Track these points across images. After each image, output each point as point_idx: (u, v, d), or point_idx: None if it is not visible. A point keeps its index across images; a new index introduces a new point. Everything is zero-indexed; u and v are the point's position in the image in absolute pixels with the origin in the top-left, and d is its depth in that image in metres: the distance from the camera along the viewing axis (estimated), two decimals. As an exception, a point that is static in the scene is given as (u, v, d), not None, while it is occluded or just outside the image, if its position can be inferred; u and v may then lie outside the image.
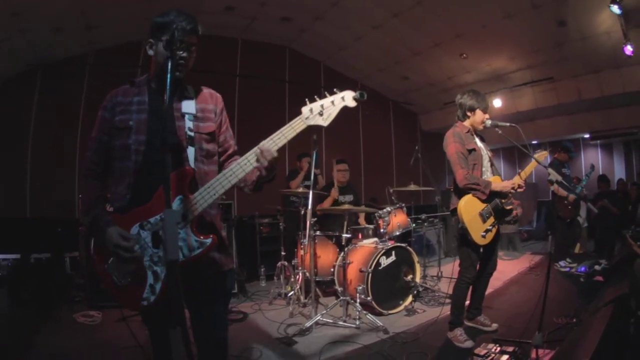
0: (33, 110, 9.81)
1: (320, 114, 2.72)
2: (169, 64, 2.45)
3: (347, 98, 2.78)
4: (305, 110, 2.72)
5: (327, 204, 7.97)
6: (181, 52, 2.69)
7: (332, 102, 2.74)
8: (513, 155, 18.16)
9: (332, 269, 7.18)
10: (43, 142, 9.65)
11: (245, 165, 2.67)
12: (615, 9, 7.94)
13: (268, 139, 2.67)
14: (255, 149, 2.66)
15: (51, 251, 7.95)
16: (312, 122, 2.71)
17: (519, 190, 5.10)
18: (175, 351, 2.05)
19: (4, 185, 9.50)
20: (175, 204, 2.55)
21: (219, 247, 2.80)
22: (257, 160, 2.66)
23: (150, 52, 2.80)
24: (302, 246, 7.12)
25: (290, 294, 7.06)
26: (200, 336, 2.88)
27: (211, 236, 2.64)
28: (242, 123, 11.46)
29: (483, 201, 5.03)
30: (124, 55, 10.28)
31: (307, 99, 2.74)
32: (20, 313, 6.84)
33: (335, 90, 2.78)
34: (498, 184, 5.06)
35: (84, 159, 2.88)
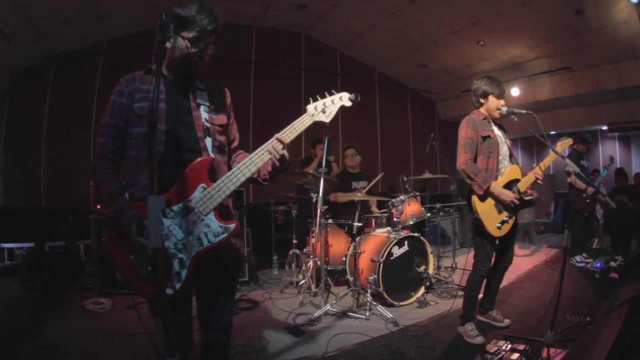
0: (46, 102, 9.90)
1: (324, 111, 2.97)
2: (187, 59, 2.71)
3: (344, 98, 3.05)
4: (310, 108, 2.96)
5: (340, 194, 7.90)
6: (199, 51, 2.73)
7: (332, 101, 3.01)
8: (531, 145, 18.09)
9: (343, 258, 7.12)
10: (57, 132, 9.71)
11: (263, 155, 2.78)
12: (632, -3, 7.82)
13: (282, 131, 2.84)
14: (272, 140, 2.79)
15: (66, 239, 7.98)
16: (317, 119, 2.95)
17: (538, 182, 4.98)
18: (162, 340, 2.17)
19: (19, 176, 9.61)
20: (198, 192, 2.66)
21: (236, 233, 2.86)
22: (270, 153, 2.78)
23: (168, 45, 2.78)
24: (313, 234, 7.07)
25: (301, 282, 7.04)
26: (206, 320, 3.01)
27: (234, 222, 2.74)
28: (257, 110, 11.52)
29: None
30: (136, 45, 10.27)
31: (310, 98, 3.01)
32: (33, 300, 6.89)
33: (332, 91, 3.03)
34: (497, 188, 4.88)
35: (98, 146, 2.81)
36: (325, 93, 3.01)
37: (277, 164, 2.84)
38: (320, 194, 6.46)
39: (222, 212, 2.79)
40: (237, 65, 11.75)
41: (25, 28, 8.35)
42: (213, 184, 2.69)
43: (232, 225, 2.69)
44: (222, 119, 3.02)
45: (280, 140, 2.77)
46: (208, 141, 2.85)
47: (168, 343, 2.11)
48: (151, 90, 2.67)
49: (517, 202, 4.86)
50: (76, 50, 10.07)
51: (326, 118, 2.96)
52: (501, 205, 4.91)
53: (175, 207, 2.63)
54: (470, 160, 4.91)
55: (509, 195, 4.82)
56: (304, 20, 12.27)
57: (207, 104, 2.95)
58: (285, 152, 2.81)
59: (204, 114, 2.89)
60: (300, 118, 2.90)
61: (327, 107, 2.96)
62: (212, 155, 2.82)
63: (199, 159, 2.70)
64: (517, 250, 6.27)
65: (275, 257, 9.24)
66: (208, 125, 2.88)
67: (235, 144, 3.25)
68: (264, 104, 11.65)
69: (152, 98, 2.35)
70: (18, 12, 7.82)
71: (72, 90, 9.82)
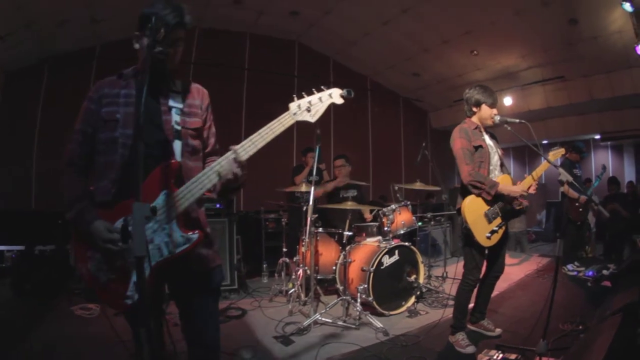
0: (40, 104, 9.88)
1: (308, 110, 2.71)
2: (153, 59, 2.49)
3: (334, 95, 2.78)
4: (292, 106, 2.70)
5: (329, 185, 8.00)
6: (163, 48, 2.60)
7: (320, 99, 2.75)
8: (523, 154, 18.13)
9: (333, 267, 7.07)
10: (49, 135, 9.63)
11: (213, 173, 2.61)
12: (627, 6, 7.85)
13: (257, 133, 2.61)
14: (230, 153, 2.61)
15: (56, 243, 7.91)
16: (299, 118, 2.70)
17: (530, 191, 4.94)
18: (147, 349, 2.08)
19: (10, 178, 9.51)
20: (160, 199, 2.51)
21: (205, 244, 2.77)
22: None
23: (136, 46, 2.75)
24: (303, 243, 7.01)
25: (291, 291, 6.97)
26: (190, 336, 2.82)
27: (197, 232, 2.58)
28: (249, 117, 11.55)
29: (489, 201, 4.87)
30: (130, 49, 9.99)
31: (294, 95, 2.72)
32: (21, 304, 6.85)
33: (322, 87, 2.77)
34: (506, 187, 4.85)
35: (66, 152, 2.77)
36: (313, 89, 2.77)
37: (226, 181, 2.63)
38: (311, 203, 6.40)
39: (187, 220, 2.67)
40: (231, 72, 11.78)
41: (21, 29, 8.31)
42: (177, 191, 2.57)
43: (195, 236, 2.56)
44: (195, 122, 2.90)
45: (236, 155, 2.58)
46: (177, 145, 2.72)
47: (152, 353, 2.05)
48: (121, 95, 2.73)
49: (530, 190, 4.88)
50: (70, 53, 10.04)
51: (311, 117, 2.72)
52: (497, 210, 4.88)
53: None
54: (473, 170, 4.85)
55: (518, 190, 4.82)
56: (297, 28, 12.28)
57: (180, 106, 2.82)
58: (239, 171, 2.60)
59: (175, 116, 2.76)
60: (279, 118, 2.68)
61: (313, 105, 2.72)
62: (180, 159, 2.70)
63: (163, 164, 2.57)
64: (508, 259, 6.21)
65: (265, 266, 9.15)
66: (179, 128, 2.75)
67: (209, 148, 3.09)
68: (257, 111, 11.55)
69: (119, 103, 2.41)
70: (15, 13, 7.76)
71: (66, 93, 9.73)
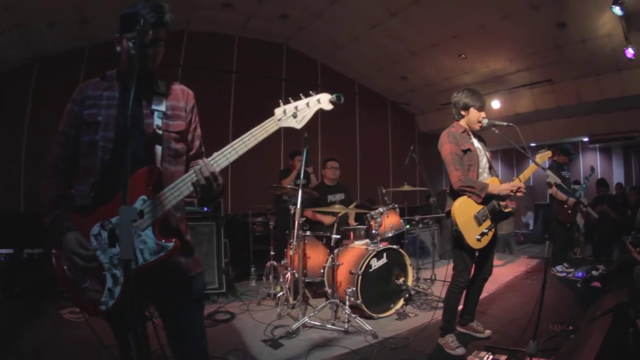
0: (28, 105, 9.75)
1: (294, 115, 2.57)
2: (133, 59, 2.42)
3: (323, 100, 2.64)
4: (278, 111, 2.58)
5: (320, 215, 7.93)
6: (143, 50, 2.49)
7: (307, 104, 2.61)
8: (511, 157, 18.18)
9: (322, 270, 7.06)
10: (38, 137, 9.53)
11: (187, 182, 2.53)
12: (617, 10, 7.88)
13: (239, 139, 2.52)
14: (208, 160, 2.51)
15: (44, 246, 7.85)
16: (284, 124, 2.57)
17: (518, 194, 4.95)
18: (135, 354, 2.01)
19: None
20: (138, 205, 2.44)
21: (184, 252, 2.71)
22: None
23: (118, 49, 2.67)
24: (291, 246, 6.98)
25: (279, 294, 6.92)
26: (174, 347, 2.76)
27: (173, 240, 2.49)
28: (237, 120, 11.49)
29: (479, 203, 4.88)
30: (118, 52, 9.97)
31: (280, 101, 2.60)
32: (10, 308, 6.82)
33: (311, 92, 2.65)
34: (495, 187, 4.90)
35: (49, 154, 2.71)
36: (301, 95, 2.62)
37: (199, 191, 2.51)
38: (298, 206, 6.38)
39: (165, 228, 2.59)
40: (219, 75, 11.73)
41: (10, 30, 8.25)
42: (155, 197, 2.49)
43: (170, 244, 2.46)
44: (179, 125, 2.81)
45: (205, 167, 2.46)
46: (158, 150, 2.64)
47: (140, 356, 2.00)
48: (103, 97, 2.67)
49: (522, 189, 4.89)
50: (59, 54, 9.96)
51: (297, 124, 2.58)
52: (487, 212, 4.89)
53: (113, 219, 2.46)
54: (463, 175, 4.87)
55: (510, 186, 4.85)
56: (286, 31, 12.25)
57: (163, 109, 2.74)
58: (213, 182, 2.48)
59: (157, 120, 2.68)
60: (262, 124, 2.56)
61: (299, 110, 2.57)
62: (160, 164, 2.63)
63: (142, 169, 2.48)
64: (497, 261, 6.21)
65: (253, 269, 9.09)
66: (160, 132, 2.67)
67: (193, 151, 2.98)
68: (244, 114, 11.58)
69: (101, 105, 2.39)
70: (4, 14, 7.69)
71: (54, 94, 9.59)
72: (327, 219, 7.82)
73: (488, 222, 4.90)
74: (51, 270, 6.67)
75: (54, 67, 9.82)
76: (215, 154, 2.51)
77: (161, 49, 2.69)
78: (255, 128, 2.54)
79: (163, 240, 2.46)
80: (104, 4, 8.43)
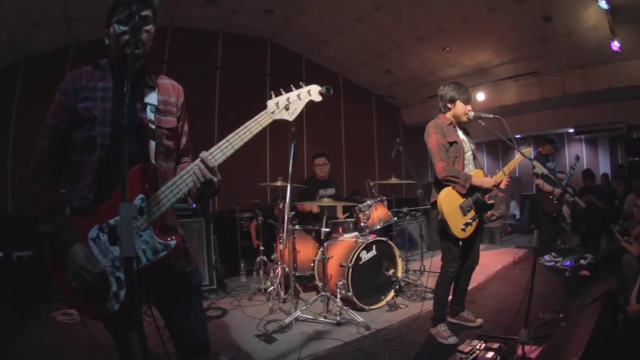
0: (14, 106, 9.64)
1: (287, 108, 2.59)
2: (122, 42, 2.46)
3: (313, 92, 2.65)
4: (270, 104, 2.58)
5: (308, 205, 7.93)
6: (131, 32, 2.43)
7: (298, 96, 2.62)
8: (496, 149, 18.24)
9: (312, 264, 7.11)
10: (25, 138, 9.41)
11: (187, 179, 2.49)
12: (603, 3, 7.93)
13: (234, 133, 2.51)
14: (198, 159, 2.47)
15: (33, 249, 7.79)
16: (277, 117, 2.58)
17: (501, 187, 5.04)
18: (137, 352, 1.96)
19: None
20: (137, 203, 2.40)
21: (182, 248, 2.68)
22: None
23: (107, 42, 2.61)
24: (280, 240, 6.99)
25: (270, 289, 6.93)
26: (178, 341, 2.74)
27: (175, 237, 2.50)
28: (222, 116, 11.45)
29: (463, 194, 4.94)
30: (104, 48, 9.90)
31: (272, 92, 2.61)
32: (2, 311, 6.72)
33: (301, 84, 2.66)
34: (479, 179, 4.97)
35: (36, 150, 2.56)
36: (292, 86, 2.63)
37: (200, 188, 2.47)
38: (287, 201, 6.42)
39: (163, 226, 2.58)
40: (203, 70, 11.66)
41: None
42: (152, 195, 2.45)
43: (173, 242, 2.46)
44: (170, 121, 2.76)
45: (204, 162, 2.43)
46: (152, 146, 2.58)
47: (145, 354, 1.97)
48: (98, 88, 2.56)
49: (506, 182, 5.05)
50: (45, 54, 9.84)
51: (289, 116, 2.59)
52: (471, 203, 4.94)
53: (111, 221, 2.41)
54: (447, 165, 4.93)
55: (493, 181, 4.96)
56: (271, 26, 12.17)
57: (155, 103, 2.66)
58: (213, 177, 2.46)
59: (150, 114, 2.61)
60: (256, 117, 2.55)
61: (291, 102, 2.58)
62: (154, 161, 2.57)
63: (138, 166, 2.42)
64: (484, 251, 6.22)
65: (242, 264, 9.10)
66: (153, 127, 2.60)
67: (181, 147, 2.95)
68: (229, 110, 11.55)
69: (96, 97, 2.37)
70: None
71: (40, 94, 9.52)
72: (314, 207, 7.89)
73: (472, 213, 4.97)
74: (42, 273, 6.61)
75: (40, 66, 9.72)
76: (212, 149, 2.47)
77: (150, 30, 2.60)
78: (250, 121, 2.54)
79: (166, 239, 2.46)
80: (89, 2, 8.41)
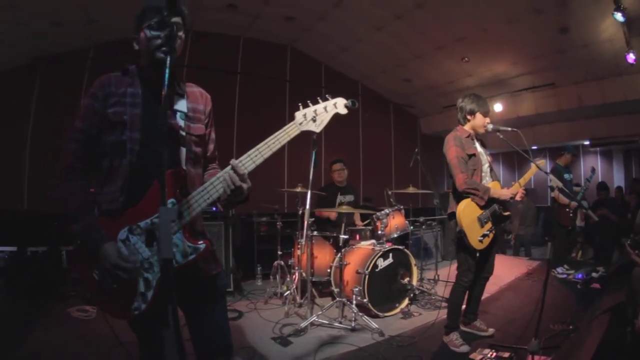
0: (33, 104, 9.72)
1: (314, 119, 2.67)
2: (154, 46, 2.50)
3: (339, 105, 2.75)
4: (299, 115, 2.66)
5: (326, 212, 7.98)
6: (161, 32, 2.49)
7: (325, 109, 2.71)
8: (512, 160, 18.15)
9: (328, 270, 7.18)
10: (42, 136, 9.55)
11: (217, 185, 2.55)
12: (618, 16, 7.91)
13: (263, 142, 2.56)
14: (229, 167, 2.52)
15: (48, 245, 7.88)
16: (305, 128, 2.66)
17: (517, 199, 5.13)
18: (169, 351, 2.03)
19: (2, 179, 9.44)
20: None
21: (209, 252, 2.69)
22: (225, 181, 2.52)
23: (136, 47, 2.68)
24: (299, 246, 7.09)
25: (286, 293, 7.02)
26: (201, 342, 2.78)
27: (204, 241, 2.54)
28: (241, 121, 11.48)
29: (482, 207, 5.01)
30: (124, 50, 9.91)
31: (300, 104, 2.69)
32: (17, 306, 6.80)
33: (327, 96, 2.75)
34: (497, 191, 5.05)
35: (66, 153, 2.57)
36: (318, 99, 2.73)
37: (230, 195, 2.55)
38: (307, 207, 6.49)
39: (192, 230, 2.61)
40: (223, 75, 11.75)
41: (15, 28, 8.26)
42: (183, 200, 2.48)
43: (202, 246, 2.50)
44: (199, 128, 2.81)
45: (235, 170, 2.49)
46: (182, 152, 2.62)
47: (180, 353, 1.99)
48: (127, 94, 2.61)
49: (522, 195, 5.12)
50: (64, 53, 9.94)
51: (316, 127, 2.67)
52: (489, 215, 5.03)
53: (142, 224, 2.46)
54: (467, 177, 4.99)
55: (510, 192, 5.04)
56: (291, 33, 12.23)
57: (184, 111, 2.71)
58: (243, 184, 2.51)
59: (180, 121, 2.65)
60: (284, 128, 2.60)
61: (318, 114, 2.66)
62: (185, 167, 2.62)
63: (169, 172, 2.41)
64: (498, 262, 6.26)
65: (259, 268, 9.20)
66: (183, 134, 2.64)
67: (208, 154, 3.02)
68: (249, 115, 11.60)
69: (125, 103, 2.41)
70: (8, 12, 7.70)
71: (59, 93, 9.62)
72: (333, 214, 7.93)
73: (489, 225, 5.05)
74: (57, 268, 6.64)
75: (58, 66, 9.82)
76: (242, 157, 2.52)
77: (180, 35, 2.66)
78: (279, 132, 2.59)
79: (196, 242, 2.50)
80: (110, 4, 8.53)
